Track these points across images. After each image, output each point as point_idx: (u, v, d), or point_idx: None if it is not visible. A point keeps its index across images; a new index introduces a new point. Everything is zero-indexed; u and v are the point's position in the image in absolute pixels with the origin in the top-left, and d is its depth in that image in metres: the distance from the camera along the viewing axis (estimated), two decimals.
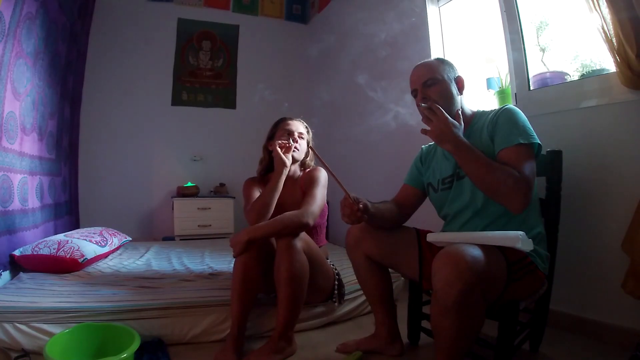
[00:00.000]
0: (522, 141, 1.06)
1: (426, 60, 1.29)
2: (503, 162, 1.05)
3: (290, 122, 1.63)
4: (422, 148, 1.47)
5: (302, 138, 1.61)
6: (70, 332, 1.22)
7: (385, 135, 2.79)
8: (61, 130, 2.60)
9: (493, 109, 1.22)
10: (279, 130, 1.61)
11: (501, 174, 1.01)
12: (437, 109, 1.09)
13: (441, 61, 1.27)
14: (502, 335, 1.06)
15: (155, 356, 1.29)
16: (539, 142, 1.09)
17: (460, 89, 1.25)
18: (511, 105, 1.18)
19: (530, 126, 1.11)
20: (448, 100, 1.20)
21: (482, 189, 1.08)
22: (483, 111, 1.25)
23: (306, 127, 1.68)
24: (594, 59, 1.64)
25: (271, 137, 1.64)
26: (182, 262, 2.11)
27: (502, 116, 1.13)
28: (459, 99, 1.23)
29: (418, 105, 1.21)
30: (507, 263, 1.01)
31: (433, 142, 1.39)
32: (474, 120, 1.24)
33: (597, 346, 1.37)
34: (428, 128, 1.11)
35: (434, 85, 1.20)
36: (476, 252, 0.91)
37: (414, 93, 1.25)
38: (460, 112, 1.19)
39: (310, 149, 1.63)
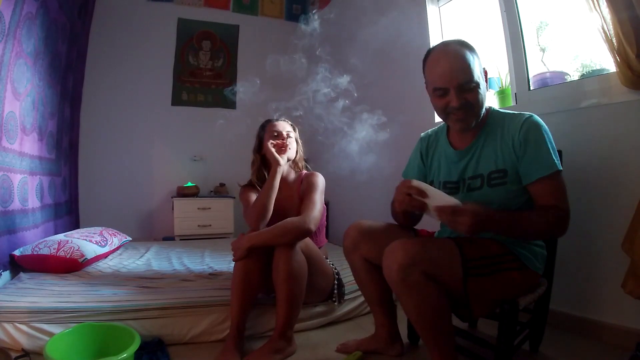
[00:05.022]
0: (558, 168, 1.05)
1: (456, 49, 1.10)
2: (541, 192, 1.05)
3: (276, 123, 1.65)
4: (420, 138, 1.38)
5: (290, 137, 1.62)
6: (70, 332, 1.22)
7: (385, 135, 2.78)
8: (61, 130, 2.60)
9: (509, 111, 1.17)
10: (267, 133, 1.62)
11: (543, 227, 1.03)
12: (455, 211, 0.95)
13: (473, 52, 1.11)
14: (502, 335, 1.06)
15: (155, 356, 1.29)
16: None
17: (485, 81, 1.15)
18: (536, 117, 1.11)
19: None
20: (482, 106, 1.11)
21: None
22: (497, 111, 1.19)
23: (292, 125, 1.69)
24: (594, 59, 1.64)
25: (260, 141, 1.65)
26: (182, 262, 2.11)
27: (533, 133, 1.07)
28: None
29: (443, 105, 1.10)
30: (460, 252, 1.04)
31: (432, 130, 1.34)
32: (489, 118, 1.17)
33: (597, 346, 1.37)
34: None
35: (473, 88, 1.07)
36: (411, 242, 1.03)
37: (441, 92, 1.10)
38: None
39: None
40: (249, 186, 1.66)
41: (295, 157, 1.67)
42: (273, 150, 1.52)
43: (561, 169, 1.05)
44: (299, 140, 1.69)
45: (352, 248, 1.32)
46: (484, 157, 1.15)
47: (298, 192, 1.59)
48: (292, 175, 1.67)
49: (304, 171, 1.68)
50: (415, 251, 1.00)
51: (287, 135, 1.61)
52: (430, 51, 1.17)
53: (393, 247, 1.03)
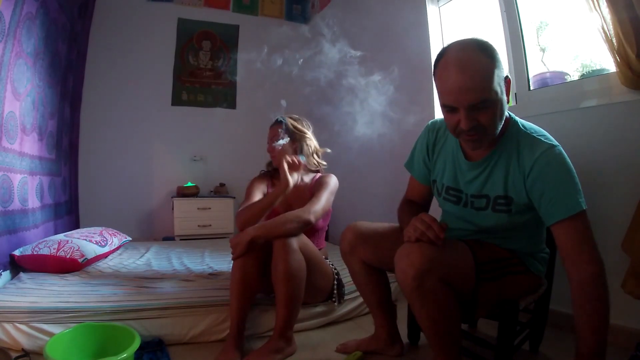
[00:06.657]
0: (584, 207, 0.94)
1: (472, 57, 0.92)
2: (562, 236, 0.95)
3: (271, 128, 1.65)
4: (427, 127, 1.24)
5: (281, 138, 1.59)
6: (70, 332, 1.22)
7: (385, 138, 2.78)
8: (61, 130, 2.60)
9: (528, 130, 1.03)
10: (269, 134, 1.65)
11: (599, 306, 0.90)
12: None
13: (493, 59, 0.92)
14: (502, 335, 1.07)
15: (155, 356, 1.29)
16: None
17: (507, 92, 0.97)
18: (555, 150, 0.97)
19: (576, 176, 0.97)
20: (498, 124, 0.97)
21: None
22: (516, 123, 1.05)
23: (300, 121, 1.68)
24: (594, 59, 1.64)
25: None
26: (182, 262, 2.11)
27: (553, 172, 0.96)
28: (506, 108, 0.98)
29: (453, 123, 0.96)
30: (474, 256, 1.03)
31: (442, 121, 1.16)
32: (508, 130, 1.03)
33: None
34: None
35: (488, 107, 0.92)
36: (428, 245, 0.95)
37: (450, 109, 0.96)
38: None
39: None
40: (262, 178, 1.66)
41: (311, 155, 1.64)
42: (286, 168, 1.45)
43: (585, 207, 0.95)
44: (311, 137, 1.66)
45: (349, 251, 1.30)
46: (494, 178, 1.05)
47: (310, 193, 1.58)
48: (306, 176, 1.66)
49: (319, 174, 1.67)
50: (433, 255, 0.94)
51: (278, 134, 1.59)
52: (443, 52, 0.99)
53: (408, 250, 0.96)
